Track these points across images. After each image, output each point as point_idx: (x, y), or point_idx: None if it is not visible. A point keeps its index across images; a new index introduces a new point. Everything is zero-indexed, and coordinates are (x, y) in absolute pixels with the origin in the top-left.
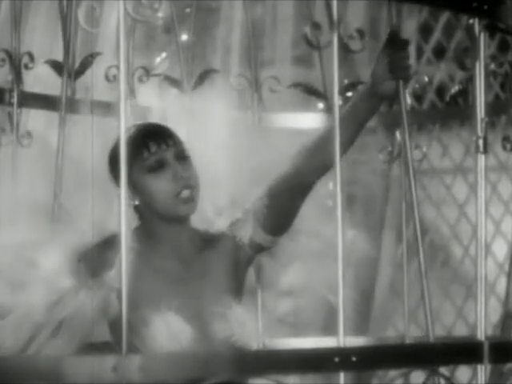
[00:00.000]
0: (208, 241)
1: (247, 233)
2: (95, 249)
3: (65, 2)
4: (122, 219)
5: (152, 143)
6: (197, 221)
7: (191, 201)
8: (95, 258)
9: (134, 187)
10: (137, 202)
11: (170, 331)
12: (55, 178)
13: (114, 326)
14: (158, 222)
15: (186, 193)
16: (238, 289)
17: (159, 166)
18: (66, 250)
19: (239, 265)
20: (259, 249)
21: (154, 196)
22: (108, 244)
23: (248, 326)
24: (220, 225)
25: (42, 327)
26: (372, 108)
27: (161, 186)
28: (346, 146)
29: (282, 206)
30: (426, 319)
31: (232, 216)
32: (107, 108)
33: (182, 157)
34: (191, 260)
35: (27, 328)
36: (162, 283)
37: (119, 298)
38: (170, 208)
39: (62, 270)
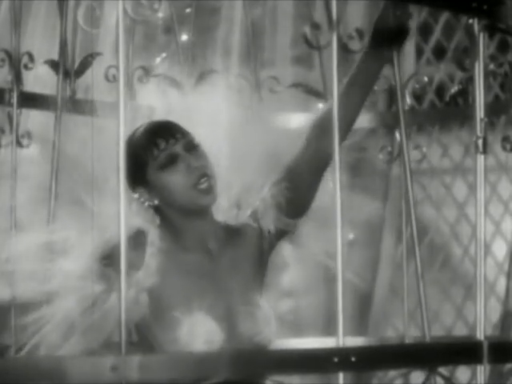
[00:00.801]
0: (231, 233)
1: (272, 221)
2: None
3: (64, 2)
4: (122, 221)
5: (160, 140)
6: (215, 212)
7: (210, 190)
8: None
9: (152, 187)
10: (156, 202)
11: (200, 333)
12: (51, 178)
13: (141, 325)
14: (181, 219)
15: (203, 182)
16: (261, 280)
17: (171, 161)
18: (91, 249)
19: (263, 255)
20: (282, 234)
21: (173, 191)
22: (135, 243)
23: (272, 323)
24: (240, 217)
25: (73, 333)
26: (375, 69)
27: (177, 180)
28: (355, 111)
29: (304, 184)
30: (421, 319)
31: (250, 206)
32: (107, 108)
33: (193, 147)
34: (218, 254)
35: (62, 336)
36: (192, 281)
37: (150, 297)
38: (190, 200)
39: (88, 273)
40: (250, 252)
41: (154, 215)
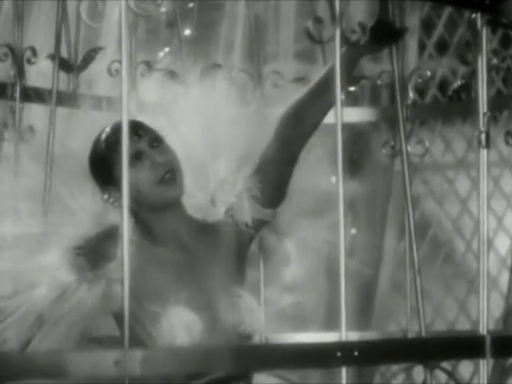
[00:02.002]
0: (207, 228)
1: (248, 214)
2: (95, 241)
3: None
4: (125, 218)
5: None
6: (192, 211)
7: (173, 182)
8: (95, 250)
9: (119, 185)
10: None
11: (180, 326)
12: (46, 171)
13: (120, 318)
14: (152, 215)
15: (167, 177)
16: (242, 271)
17: (136, 158)
18: (66, 243)
19: (241, 248)
20: (260, 225)
21: (139, 188)
22: (107, 236)
23: (255, 312)
24: (217, 213)
25: (44, 322)
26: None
27: (142, 176)
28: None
29: (274, 175)
30: (418, 315)
31: (226, 202)
32: (106, 102)
33: (156, 143)
34: (193, 247)
35: (30, 324)
36: (167, 275)
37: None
38: (156, 195)
39: (63, 264)
40: (227, 245)
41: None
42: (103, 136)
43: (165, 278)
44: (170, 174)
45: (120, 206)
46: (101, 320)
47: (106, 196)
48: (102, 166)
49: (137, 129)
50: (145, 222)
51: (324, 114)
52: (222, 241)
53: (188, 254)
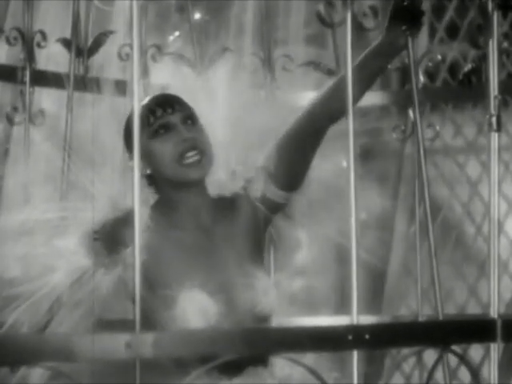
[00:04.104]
0: (224, 205)
1: (259, 187)
2: (111, 226)
3: None
4: (136, 195)
5: (158, 108)
6: (213, 189)
7: (197, 164)
8: (111, 235)
9: (144, 156)
10: (148, 171)
11: (196, 308)
12: (63, 156)
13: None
14: (171, 190)
15: (191, 155)
16: (258, 252)
17: (164, 130)
18: (84, 228)
19: (258, 226)
20: (273, 206)
21: (160, 160)
22: (124, 221)
23: (271, 293)
24: (234, 187)
25: (61, 307)
26: (386, 58)
27: (165, 148)
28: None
29: (292, 156)
30: (435, 298)
31: (245, 176)
32: (119, 86)
33: (190, 120)
34: (211, 228)
35: (47, 308)
36: (182, 258)
37: (142, 275)
38: (176, 172)
39: (80, 249)
40: (244, 223)
41: (149, 188)
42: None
43: (180, 261)
44: (195, 154)
45: (142, 177)
46: (116, 304)
47: (131, 164)
48: (130, 134)
49: (173, 102)
50: (166, 198)
51: (356, 101)
52: (238, 217)
53: (205, 234)
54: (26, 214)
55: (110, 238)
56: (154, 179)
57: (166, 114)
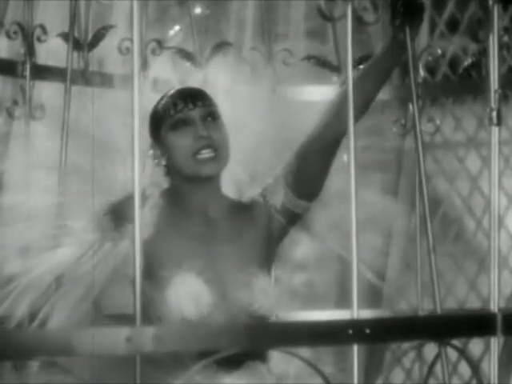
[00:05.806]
0: (240, 208)
1: (279, 198)
2: (120, 203)
3: None
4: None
5: (179, 101)
6: (232, 191)
7: (211, 161)
8: (119, 211)
9: (161, 146)
10: (164, 162)
11: (189, 293)
12: (60, 147)
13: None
14: (183, 183)
15: (205, 152)
16: (267, 259)
17: (182, 124)
18: (93, 207)
19: (271, 234)
20: (291, 216)
21: (175, 153)
22: (132, 199)
23: (271, 296)
24: (252, 192)
25: (62, 282)
26: (394, 60)
27: (181, 143)
28: (368, 101)
29: (311, 165)
30: (433, 292)
31: (263, 182)
32: (119, 80)
33: (211, 118)
34: (218, 223)
35: (48, 283)
36: (185, 242)
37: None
38: (189, 167)
39: (88, 225)
40: (255, 225)
41: (164, 177)
42: (164, 97)
43: (181, 245)
44: (210, 151)
45: (159, 165)
46: (117, 295)
47: (151, 152)
48: (152, 124)
49: (196, 97)
50: (178, 190)
51: (368, 104)
52: (251, 219)
53: (212, 228)
54: (34, 199)
55: (118, 213)
56: (168, 170)
57: (187, 109)
